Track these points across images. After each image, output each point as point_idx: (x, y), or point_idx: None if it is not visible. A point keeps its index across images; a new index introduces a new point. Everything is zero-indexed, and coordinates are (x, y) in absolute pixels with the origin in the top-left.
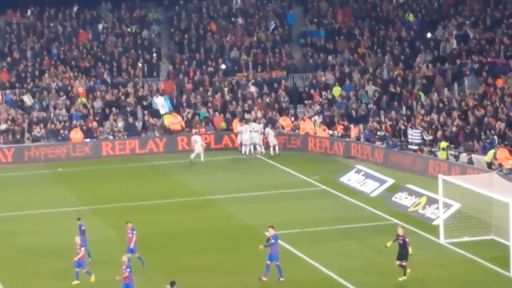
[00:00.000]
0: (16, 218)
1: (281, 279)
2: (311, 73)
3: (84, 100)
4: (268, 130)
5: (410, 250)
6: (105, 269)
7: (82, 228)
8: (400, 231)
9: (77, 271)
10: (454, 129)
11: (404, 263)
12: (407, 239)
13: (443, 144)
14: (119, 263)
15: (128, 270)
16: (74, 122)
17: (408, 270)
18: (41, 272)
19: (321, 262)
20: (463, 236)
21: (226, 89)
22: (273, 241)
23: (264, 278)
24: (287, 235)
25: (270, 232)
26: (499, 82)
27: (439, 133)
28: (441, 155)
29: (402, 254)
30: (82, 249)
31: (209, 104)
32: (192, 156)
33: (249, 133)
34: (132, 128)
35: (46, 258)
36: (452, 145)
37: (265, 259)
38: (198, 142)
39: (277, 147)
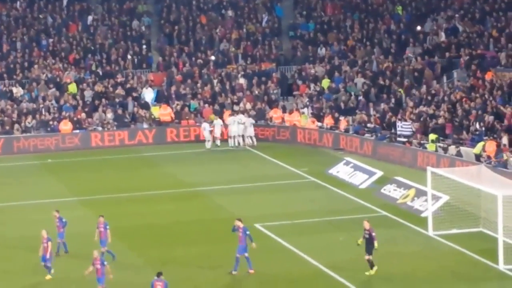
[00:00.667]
0: (5, 209)
1: (251, 271)
2: (300, 65)
3: (73, 90)
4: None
5: (375, 244)
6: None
7: (63, 220)
8: (366, 225)
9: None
10: (441, 121)
11: (370, 258)
12: (373, 233)
13: (432, 136)
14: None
15: (101, 264)
16: (64, 113)
17: (375, 268)
18: (28, 262)
19: (310, 254)
20: (451, 229)
21: (215, 81)
22: (241, 233)
23: (251, 271)
24: (276, 226)
25: (238, 225)
26: (488, 75)
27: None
28: (430, 147)
29: (369, 248)
30: (49, 243)
31: (199, 96)
32: (208, 145)
33: (236, 125)
34: (121, 120)
35: (32, 248)
36: (441, 138)
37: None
38: (206, 130)
39: (254, 139)
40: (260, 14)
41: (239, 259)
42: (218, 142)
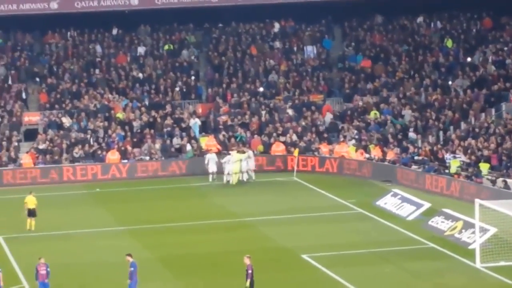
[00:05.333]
0: (53, 238)
1: None
2: (348, 97)
3: (121, 117)
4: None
5: (247, 283)
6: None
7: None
8: (246, 261)
9: None
10: (487, 153)
11: None
12: (249, 271)
13: (484, 166)
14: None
15: None
16: (114, 142)
17: None
18: None
19: (357, 285)
20: (499, 261)
21: (263, 112)
22: (132, 269)
23: None
24: (324, 257)
25: (128, 260)
26: None
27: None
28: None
29: (251, 284)
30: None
31: (246, 127)
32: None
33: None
34: (168, 150)
35: (82, 277)
36: (489, 170)
37: None
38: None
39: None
40: (308, 46)
41: None
42: (250, 176)
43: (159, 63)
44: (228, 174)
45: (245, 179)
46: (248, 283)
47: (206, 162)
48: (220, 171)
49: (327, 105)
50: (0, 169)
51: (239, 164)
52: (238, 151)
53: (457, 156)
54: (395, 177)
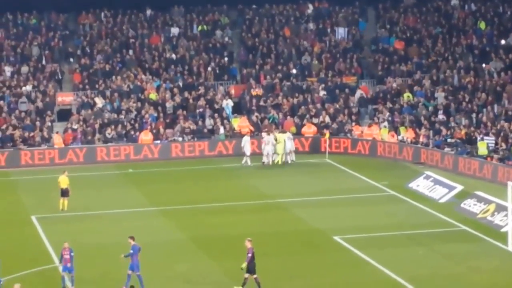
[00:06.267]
0: (85, 218)
1: None
2: (381, 79)
3: (154, 98)
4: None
5: (243, 265)
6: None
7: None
8: (247, 244)
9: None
10: None
11: (246, 276)
12: (249, 254)
13: None
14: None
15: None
16: (147, 123)
17: None
18: (110, 271)
19: (389, 267)
20: None
21: (296, 94)
22: (131, 251)
23: None
24: (356, 239)
25: (130, 242)
26: None
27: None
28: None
29: (251, 267)
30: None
31: (279, 108)
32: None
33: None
34: (201, 131)
35: (115, 257)
36: None
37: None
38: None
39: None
40: (340, 28)
41: (130, 276)
42: (292, 157)
43: (192, 44)
44: (268, 154)
45: (289, 161)
46: (245, 265)
47: (242, 144)
48: (254, 154)
49: (363, 86)
50: (33, 149)
51: (282, 144)
52: (280, 132)
53: (485, 138)
54: (428, 160)
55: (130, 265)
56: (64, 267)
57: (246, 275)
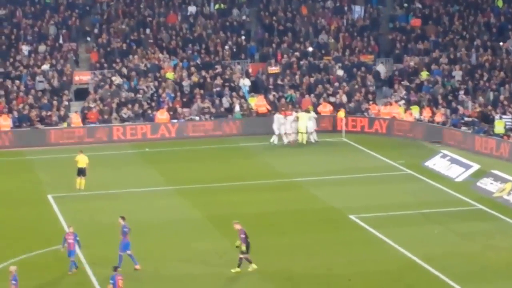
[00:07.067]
0: (102, 197)
1: (136, 266)
2: (399, 57)
3: (171, 77)
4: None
5: (243, 247)
6: (189, 246)
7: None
8: (236, 227)
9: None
10: None
11: (241, 256)
12: (242, 235)
13: None
14: (204, 243)
15: (14, 282)
16: (164, 102)
17: (238, 269)
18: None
19: (405, 246)
20: None
21: (312, 73)
22: (126, 230)
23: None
24: (372, 218)
25: (120, 222)
26: None
27: None
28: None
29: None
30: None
31: (296, 87)
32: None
33: (309, 122)
34: (218, 110)
35: (132, 236)
36: None
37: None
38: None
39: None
40: (357, 6)
41: (122, 256)
42: (315, 137)
43: (209, 23)
44: (285, 134)
45: (312, 140)
46: (244, 247)
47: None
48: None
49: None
50: (49, 128)
51: (305, 123)
52: (304, 111)
53: (503, 117)
54: (444, 138)
55: (122, 245)
56: (69, 252)
57: (242, 255)
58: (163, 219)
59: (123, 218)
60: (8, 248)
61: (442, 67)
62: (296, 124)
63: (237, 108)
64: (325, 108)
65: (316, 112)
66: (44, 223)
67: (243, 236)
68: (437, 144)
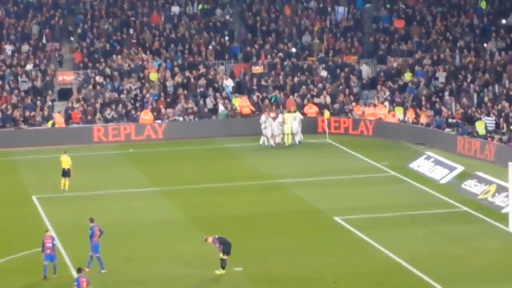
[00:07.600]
0: (87, 198)
1: (103, 271)
2: (382, 58)
3: (155, 80)
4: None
5: (220, 255)
6: (173, 248)
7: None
8: (208, 240)
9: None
10: None
11: (224, 257)
12: (217, 245)
13: None
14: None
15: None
16: (148, 102)
17: (222, 271)
18: (109, 251)
19: (389, 248)
20: None
21: (297, 73)
22: (90, 231)
23: (87, 269)
24: (356, 220)
25: (88, 224)
26: None
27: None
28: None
29: (226, 250)
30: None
31: (280, 88)
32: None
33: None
34: (202, 111)
35: (115, 238)
36: None
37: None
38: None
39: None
40: (340, 7)
41: (92, 258)
42: (300, 137)
43: (193, 23)
44: (272, 135)
45: (297, 141)
46: (221, 255)
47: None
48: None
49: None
50: (34, 128)
51: (290, 125)
52: (288, 111)
53: (486, 118)
54: (428, 140)
55: (92, 246)
56: (46, 255)
57: (225, 257)
58: (147, 220)
59: (91, 220)
60: None
61: (426, 68)
62: (283, 126)
63: (221, 108)
64: (311, 110)
65: (302, 114)
66: (29, 224)
67: (217, 245)
68: (421, 145)
